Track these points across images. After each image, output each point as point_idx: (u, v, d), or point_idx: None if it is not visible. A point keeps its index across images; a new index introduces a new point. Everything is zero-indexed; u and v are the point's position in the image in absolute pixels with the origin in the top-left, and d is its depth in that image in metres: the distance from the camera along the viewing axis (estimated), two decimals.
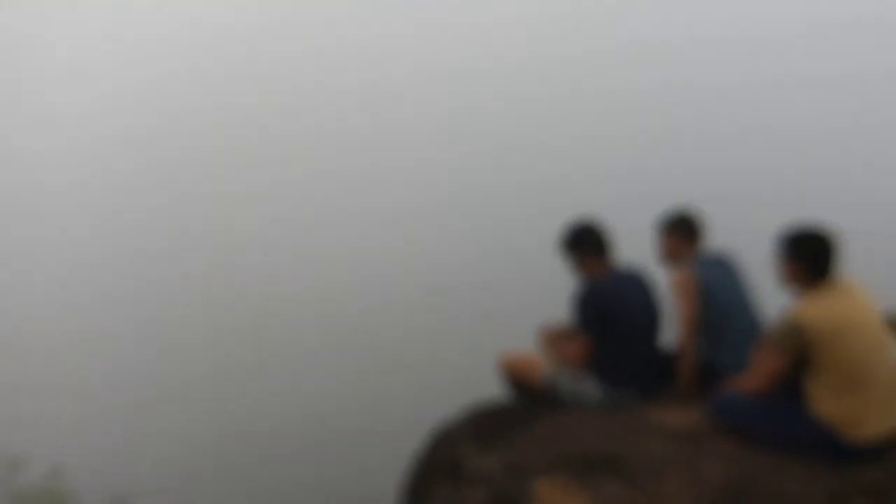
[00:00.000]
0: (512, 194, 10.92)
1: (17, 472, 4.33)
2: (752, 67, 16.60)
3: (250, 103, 17.33)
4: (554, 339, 3.67)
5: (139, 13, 32.34)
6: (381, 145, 13.79)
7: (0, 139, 16.04)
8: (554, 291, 4.59)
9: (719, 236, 3.94)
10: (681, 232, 3.72)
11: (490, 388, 3.98)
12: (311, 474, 5.55)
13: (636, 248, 4.28)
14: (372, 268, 9.08)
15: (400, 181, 11.99)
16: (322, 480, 5.48)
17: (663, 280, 3.69)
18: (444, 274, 8.82)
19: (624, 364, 3.42)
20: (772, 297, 3.49)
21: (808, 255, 2.86)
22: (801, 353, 2.80)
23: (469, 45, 21.98)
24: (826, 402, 2.81)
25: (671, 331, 3.62)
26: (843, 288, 2.87)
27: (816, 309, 2.80)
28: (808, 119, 12.92)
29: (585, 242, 3.52)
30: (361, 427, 6.00)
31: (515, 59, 19.76)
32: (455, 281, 8.53)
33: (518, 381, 3.67)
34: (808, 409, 2.85)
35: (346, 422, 6.15)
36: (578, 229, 3.55)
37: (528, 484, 3.01)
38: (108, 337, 8.03)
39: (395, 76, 19.03)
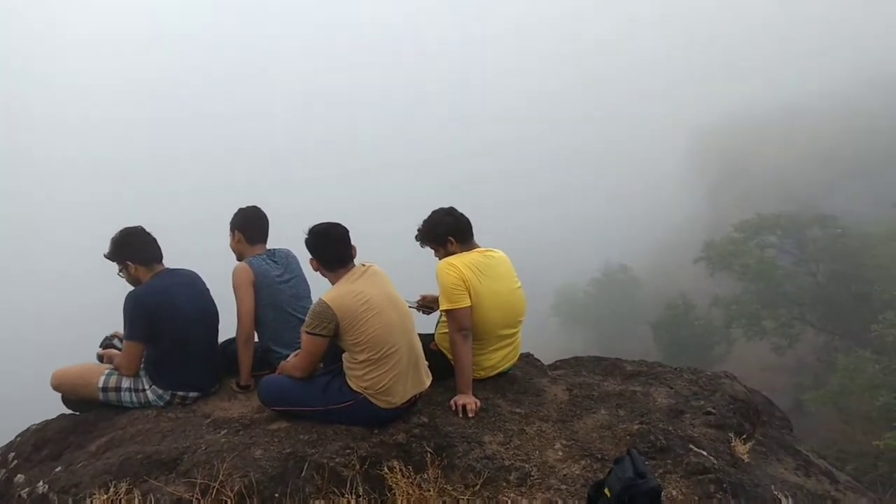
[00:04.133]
0: None
1: None
2: None
3: None
4: (107, 350, 3.59)
5: None
6: None
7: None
8: None
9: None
10: (241, 230, 3.89)
11: None
12: None
13: None
14: None
15: None
16: None
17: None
18: None
19: (179, 363, 3.45)
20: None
21: (318, 248, 3.23)
22: (333, 333, 3.11)
23: None
24: (359, 376, 3.13)
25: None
26: (366, 273, 3.23)
27: (341, 293, 3.12)
28: None
29: (129, 249, 3.48)
30: None
31: None
32: None
33: (74, 395, 3.52)
34: (345, 384, 3.19)
35: None
36: (120, 237, 3.49)
37: (82, 500, 2.92)
38: None
39: None
